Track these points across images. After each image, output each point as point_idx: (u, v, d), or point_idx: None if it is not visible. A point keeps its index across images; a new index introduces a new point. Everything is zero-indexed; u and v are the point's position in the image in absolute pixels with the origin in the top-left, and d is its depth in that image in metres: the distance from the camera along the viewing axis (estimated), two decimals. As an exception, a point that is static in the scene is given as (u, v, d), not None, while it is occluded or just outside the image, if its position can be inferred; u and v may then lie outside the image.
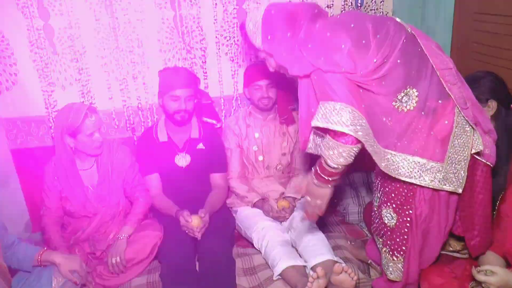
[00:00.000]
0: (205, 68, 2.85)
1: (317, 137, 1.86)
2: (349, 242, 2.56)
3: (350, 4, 2.89)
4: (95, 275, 2.30)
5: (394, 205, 1.87)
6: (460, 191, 1.73)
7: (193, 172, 2.66)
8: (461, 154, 1.72)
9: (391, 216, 1.89)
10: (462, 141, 1.71)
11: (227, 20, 2.77)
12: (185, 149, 2.65)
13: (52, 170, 2.40)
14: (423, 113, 1.68)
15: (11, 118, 2.74)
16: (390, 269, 1.98)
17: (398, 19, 1.77)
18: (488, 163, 1.78)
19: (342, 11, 2.89)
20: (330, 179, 1.74)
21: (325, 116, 1.63)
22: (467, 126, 1.71)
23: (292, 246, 2.42)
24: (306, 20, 1.76)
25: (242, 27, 1.94)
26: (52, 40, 2.63)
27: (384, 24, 1.70)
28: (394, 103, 1.70)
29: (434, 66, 1.68)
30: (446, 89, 1.68)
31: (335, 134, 1.64)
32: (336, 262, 2.18)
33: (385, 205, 1.91)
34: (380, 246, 2.03)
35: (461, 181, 1.73)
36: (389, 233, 1.94)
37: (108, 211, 2.46)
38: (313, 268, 2.17)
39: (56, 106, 2.72)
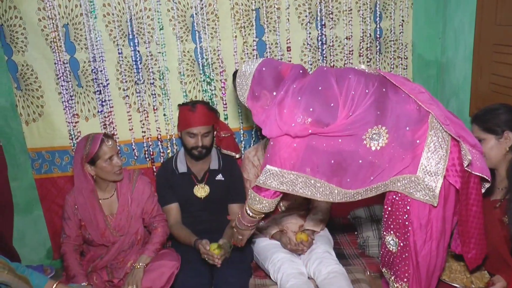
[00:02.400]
0: (225, 100, 2.89)
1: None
2: (368, 273, 2.51)
3: (369, 35, 2.91)
4: (112, 303, 2.31)
5: (394, 230, 1.86)
6: (435, 203, 1.72)
7: (212, 203, 2.68)
8: (436, 167, 1.71)
9: (394, 241, 1.88)
10: (436, 155, 1.72)
11: (247, 52, 2.82)
12: (204, 180, 2.67)
13: (73, 199, 2.44)
14: (394, 145, 1.72)
15: (37, 148, 2.82)
16: None
17: (358, 67, 1.90)
18: (482, 175, 1.76)
19: (361, 42, 2.91)
20: (249, 225, 2.01)
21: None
22: (442, 141, 1.72)
23: (309, 278, 2.38)
24: (289, 81, 1.82)
25: (235, 77, 2.00)
26: (77, 73, 2.72)
27: (345, 79, 1.78)
28: (365, 142, 1.74)
29: (407, 93, 1.75)
30: (418, 112, 1.74)
31: (258, 189, 1.87)
32: (355, 297, 2.15)
33: (387, 231, 1.90)
34: (388, 276, 1.99)
35: (434, 193, 1.72)
36: (392, 259, 1.92)
37: (127, 239, 2.48)
38: None
39: (80, 136, 2.79)
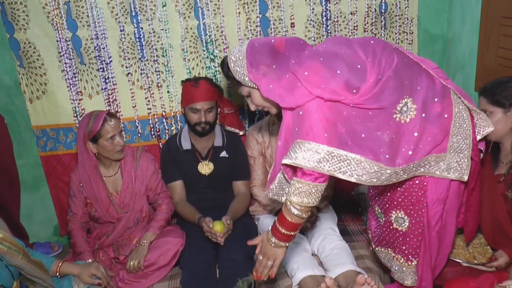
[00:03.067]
0: (229, 77, 2.87)
1: (284, 180, 1.81)
2: (371, 248, 2.53)
3: (374, 10, 2.86)
4: (118, 279, 2.34)
5: (405, 207, 1.84)
6: (465, 178, 1.72)
7: (216, 180, 2.69)
8: (463, 143, 1.71)
9: (403, 219, 1.87)
10: (463, 130, 1.71)
11: (250, 28, 2.79)
12: (208, 157, 2.68)
13: (77, 176, 2.46)
14: (424, 116, 1.67)
15: (41, 126, 2.83)
16: (406, 275, 1.95)
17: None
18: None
19: (365, 17, 2.87)
20: (290, 233, 1.70)
21: (295, 154, 1.61)
22: (465, 115, 1.72)
23: (313, 254, 2.40)
24: (293, 50, 1.71)
25: (223, 65, 1.87)
26: (79, 50, 2.71)
27: (368, 44, 1.69)
28: (394, 116, 1.67)
29: (426, 68, 1.72)
30: (442, 85, 1.70)
31: (303, 174, 1.61)
32: (359, 273, 2.15)
33: (394, 209, 1.88)
34: (386, 256, 2.00)
35: (465, 169, 1.72)
36: (401, 238, 1.91)
37: (132, 217, 2.50)
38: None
39: (84, 113, 2.77)
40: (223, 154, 2.68)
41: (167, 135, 2.93)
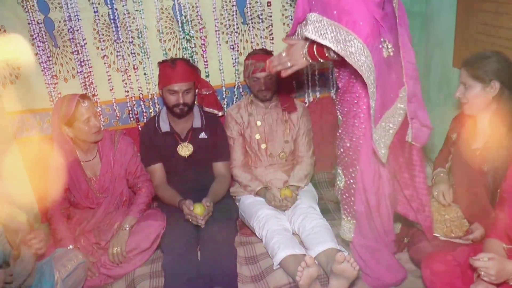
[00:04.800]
0: (206, 57, 2.83)
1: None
2: None
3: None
4: (99, 265, 2.32)
5: (342, 166, 2.00)
6: (383, 161, 1.85)
7: (196, 162, 2.68)
8: (387, 132, 1.83)
9: (341, 177, 2.04)
10: (393, 121, 1.85)
11: (226, 8, 2.75)
12: (187, 138, 2.66)
13: (55, 162, 2.42)
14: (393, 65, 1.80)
15: (17, 112, 2.77)
16: (343, 228, 2.20)
17: None
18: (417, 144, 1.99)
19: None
20: (319, 58, 1.80)
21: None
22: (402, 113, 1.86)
23: (294, 234, 2.41)
24: None
25: None
26: (52, 33, 2.65)
27: None
28: (381, 46, 1.75)
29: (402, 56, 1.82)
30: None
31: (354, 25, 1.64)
32: (339, 250, 2.17)
33: (338, 165, 2.06)
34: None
35: (383, 153, 1.83)
36: (340, 192, 2.12)
37: (112, 201, 2.49)
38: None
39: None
40: (202, 135, 2.66)
41: (145, 117, 2.89)
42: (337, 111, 2.18)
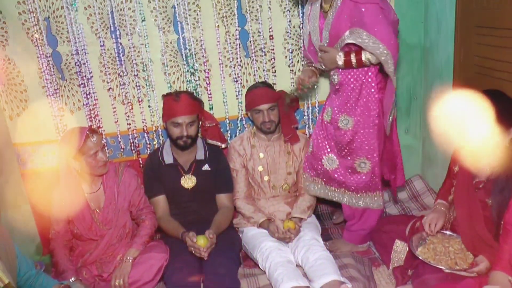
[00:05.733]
0: (209, 90, 2.88)
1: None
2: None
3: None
4: (102, 297, 2.31)
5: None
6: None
7: (199, 193, 2.69)
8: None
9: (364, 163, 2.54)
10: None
11: (229, 41, 2.81)
12: (190, 170, 2.67)
13: (59, 194, 2.43)
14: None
15: (22, 143, 2.80)
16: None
17: None
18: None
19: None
20: (353, 64, 2.34)
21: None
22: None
23: (297, 265, 2.40)
24: None
25: None
26: (60, 66, 2.70)
27: None
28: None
29: None
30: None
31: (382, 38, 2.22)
32: (342, 283, 2.16)
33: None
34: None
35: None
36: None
37: (115, 233, 2.48)
38: None
39: (66, 129, 2.75)
40: (206, 167, 2.68)
41: (148, 149, 2.92)
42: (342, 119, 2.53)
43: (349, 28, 2.27)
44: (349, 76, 2.43)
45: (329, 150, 2.60)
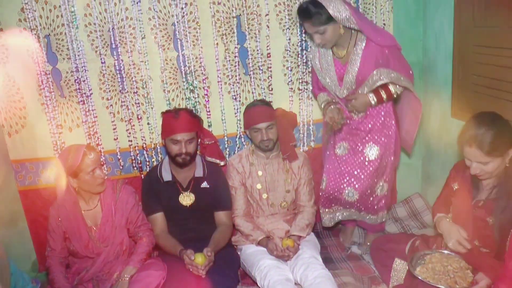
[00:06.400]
0: (208, 107, 2.88)
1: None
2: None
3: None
4: (98, 315, 2.28)
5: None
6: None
7: (198, 211, 2.67)
8: None
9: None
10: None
11: (228, 59, 2.82)
12: (189, 188, 2.66)
13: (56, 211, 2.42)
14: None
15: (20, 160, 2.80)
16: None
17: None
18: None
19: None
20: (384, 99, 2.58)
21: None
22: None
23: (296, 284, 2.38)
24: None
25: (308, 8, 2.41)
26: (59, 84, 2.71)
27: None
28: None
29: None
30: None
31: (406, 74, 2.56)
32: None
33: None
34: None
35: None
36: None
37: (112, 250, 2.46)
38: None
39: (64, 147, 2.76)
40: (204, 184, 2.67)
41: (147, 166, 2.91)
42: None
43: (374, 69, 2.50)
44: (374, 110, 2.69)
45: (346, 184, 2.76)
